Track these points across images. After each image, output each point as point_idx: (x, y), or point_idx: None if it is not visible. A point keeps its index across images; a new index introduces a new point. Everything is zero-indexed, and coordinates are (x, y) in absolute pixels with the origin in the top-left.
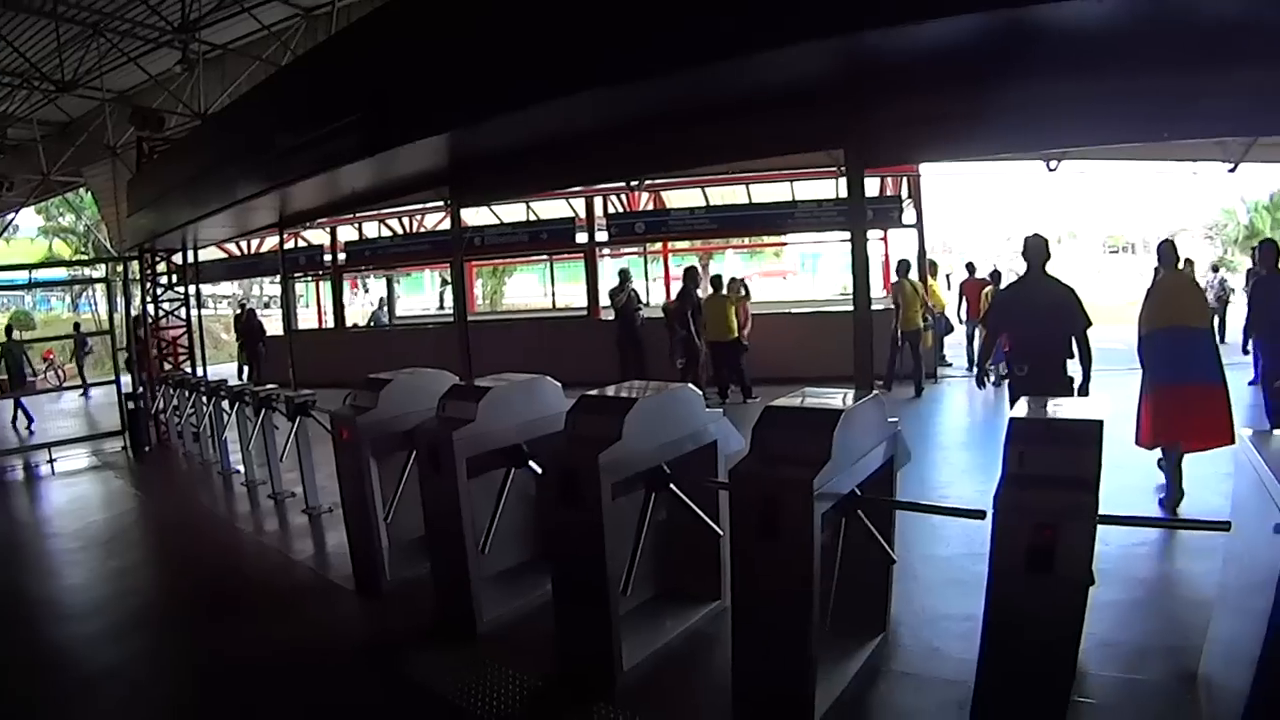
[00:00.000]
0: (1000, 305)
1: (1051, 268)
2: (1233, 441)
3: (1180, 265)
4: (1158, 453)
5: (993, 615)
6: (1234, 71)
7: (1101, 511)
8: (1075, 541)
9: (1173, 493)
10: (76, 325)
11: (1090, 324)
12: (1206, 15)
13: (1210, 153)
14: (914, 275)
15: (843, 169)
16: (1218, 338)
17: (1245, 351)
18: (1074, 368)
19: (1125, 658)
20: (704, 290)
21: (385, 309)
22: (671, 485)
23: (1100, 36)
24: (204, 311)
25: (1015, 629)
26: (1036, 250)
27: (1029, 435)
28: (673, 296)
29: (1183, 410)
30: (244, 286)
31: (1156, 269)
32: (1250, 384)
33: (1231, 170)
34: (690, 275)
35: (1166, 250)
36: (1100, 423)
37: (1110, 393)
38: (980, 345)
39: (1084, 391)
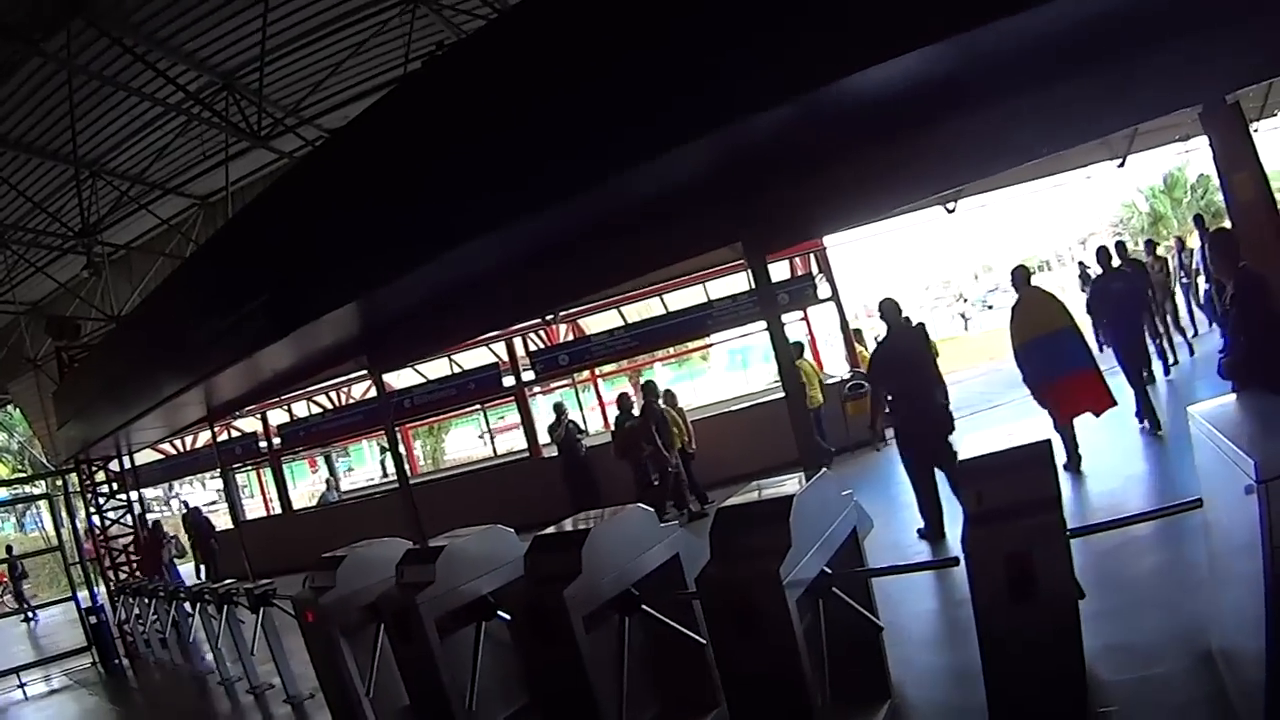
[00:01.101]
0: (876, 362)
1: (912, 318)
2: (1113, 404)
3: (1031, 283)
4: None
5: (989, 654)
6: (1089, 78)
7: (1071, 525)
8: (1052, 562)
9: (1071, 458)
10: (9, 548)
11: (937, 354)
12: (1054, 32)
13: (1097, 154)
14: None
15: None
16: (1080, 330)
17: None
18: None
19: (1137, 657)
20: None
21: (332, 488)
22: (644, 606)
23: (974, 77)
24: (150, 515)
25: (1014, 660)
26: (890, 310)
27: (981, 473)
28: (614, 421)
29: (1066, 394)
30: (165, 490)
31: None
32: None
33: (1120, 165)
34: (649, 389)
35: (1019, 275)
36: (1049, 441)
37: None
38: (870, 402)
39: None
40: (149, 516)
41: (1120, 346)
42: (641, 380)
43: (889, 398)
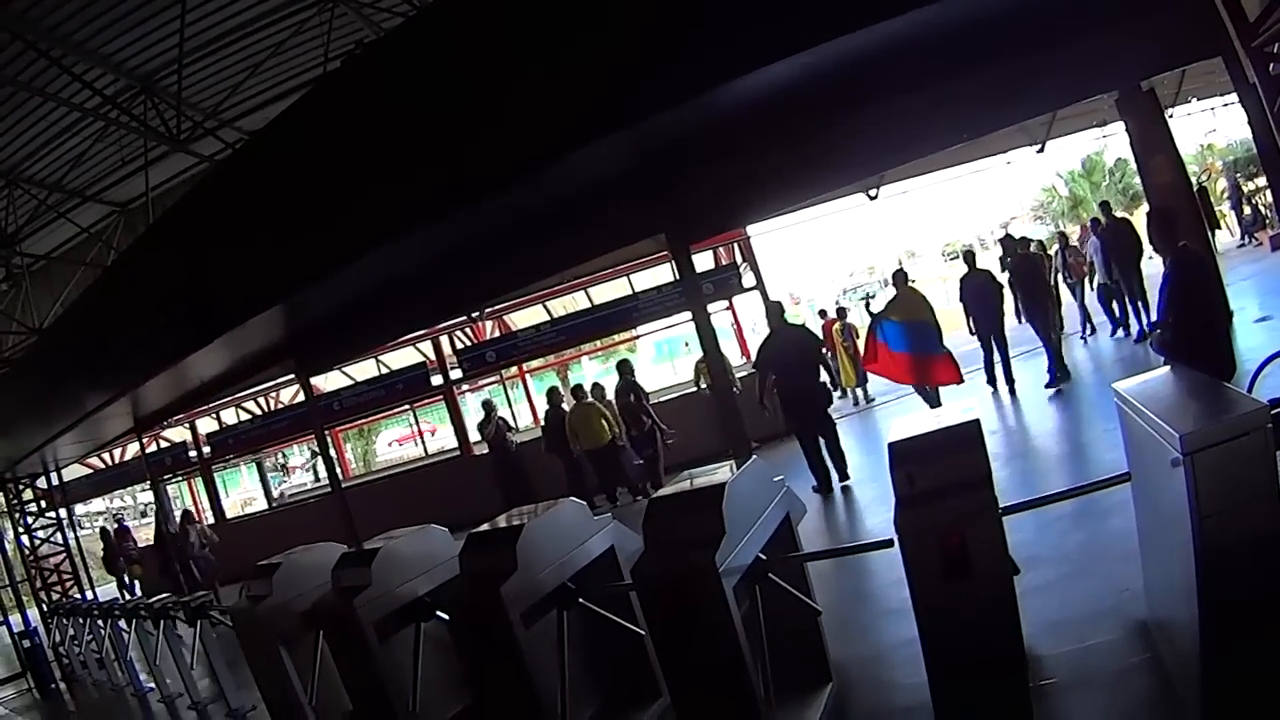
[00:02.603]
0: (762, 354)
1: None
2: (960, 382)
3: (909, 284)
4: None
5: (927, 632)
6: (1006, 65)
7: (1004, 503)
8: (986, 540)
9: (929, 400)
10: None
11: (823, 344)
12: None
13: (1017, 139)
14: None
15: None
16: (938, 323)
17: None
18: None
19: (1074, 629)
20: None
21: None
22: (581, 600)
23: (890, 63)
24: (81, 533)
25: (953, 639)
26: (775, 312)
27: (912, 455)
28: (543, 416)
29: (922, 368)
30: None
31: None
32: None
33: (1039, 151)
34: (624, 367)
35: (898, 275)
36: (978, 421)
37: None
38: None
39: (834, 384)
40: (173, 512)
41: (980, 333)
42: (617, 360)
43: (774, 378)
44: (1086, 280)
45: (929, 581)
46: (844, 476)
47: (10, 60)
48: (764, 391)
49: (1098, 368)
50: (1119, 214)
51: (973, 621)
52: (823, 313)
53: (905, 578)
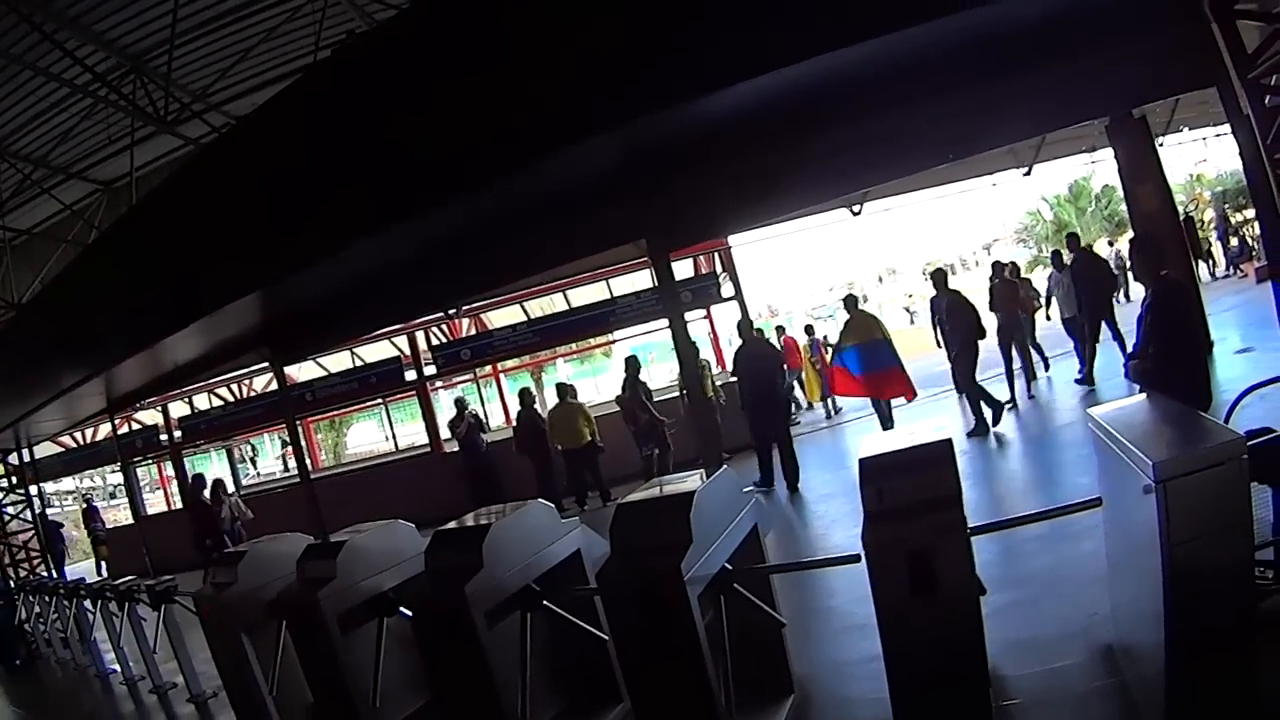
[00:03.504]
0: (736, 364)
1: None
2: (912, 397)
3: (859, 308)
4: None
5: (891, 651)
6: (997, 87)
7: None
8: (953, 559)
9: (882, 420)
10: None
11: (784, 363)
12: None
13: (1004, 161)
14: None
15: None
16: (891, 341)
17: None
18: None
19: (1039, 650)
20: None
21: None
22: (545, 602)
23: (878, 79)
24: (50, 510)
25: (917, 659)
26: (745, 327)
27: (882, 471)
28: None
29: (879, 383)
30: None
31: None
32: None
33: (1026, 174)
34: (631, 364)
35: (850, 300)
36: (949, 441)
37: None
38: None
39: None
40: (205, 476)
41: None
42: (543, 375)
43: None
44: (1038, 315)
45: (895, 598)
46: (793, 487)
47: (3, 33)
48: (744, 401)
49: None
50: (1088, 244)
51: (937, 640)
52: (780, 329)
53: (871, 593)
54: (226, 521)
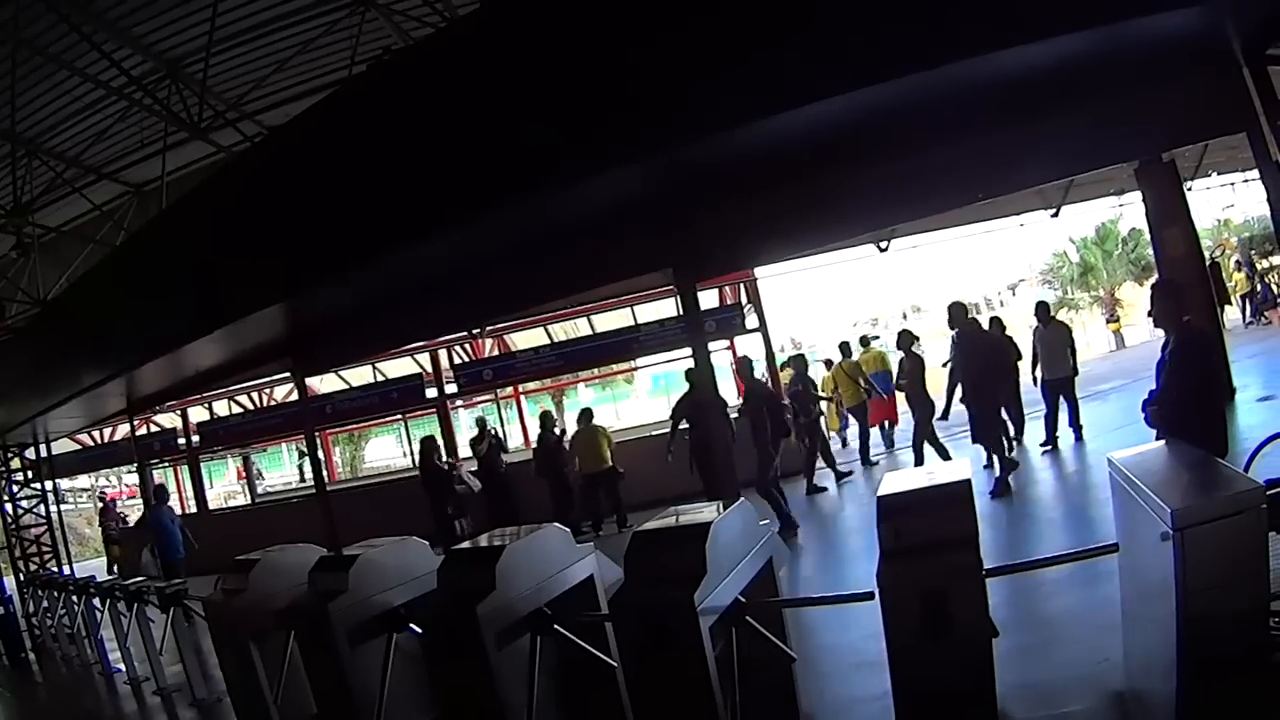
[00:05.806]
0: (748, 403)
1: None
2: (894, 422)
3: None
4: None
5: (900, 690)
6: (1027, 129)
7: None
8: (967, 600)
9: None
10: None
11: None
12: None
13: (1032, 202)
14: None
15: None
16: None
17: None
18: None
19: (1049, 695)
20: (572, 426)
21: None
22: (556, 626)
23: (911, 117)
24: (64, 507)
25: (926, 699)
26: (746, 366)
27: (900, 509)
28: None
29: (876, 409)
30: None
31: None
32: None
33: (1054, 215)
34: (799, 361)
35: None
36: (969, 481)
37: None
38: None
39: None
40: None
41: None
42: (564, 399)
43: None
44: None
45: (907, 637)
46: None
47: (42, 32)
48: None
49: None
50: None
51: (948, 681)
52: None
53: (883, 631)
54: (454, 500)
